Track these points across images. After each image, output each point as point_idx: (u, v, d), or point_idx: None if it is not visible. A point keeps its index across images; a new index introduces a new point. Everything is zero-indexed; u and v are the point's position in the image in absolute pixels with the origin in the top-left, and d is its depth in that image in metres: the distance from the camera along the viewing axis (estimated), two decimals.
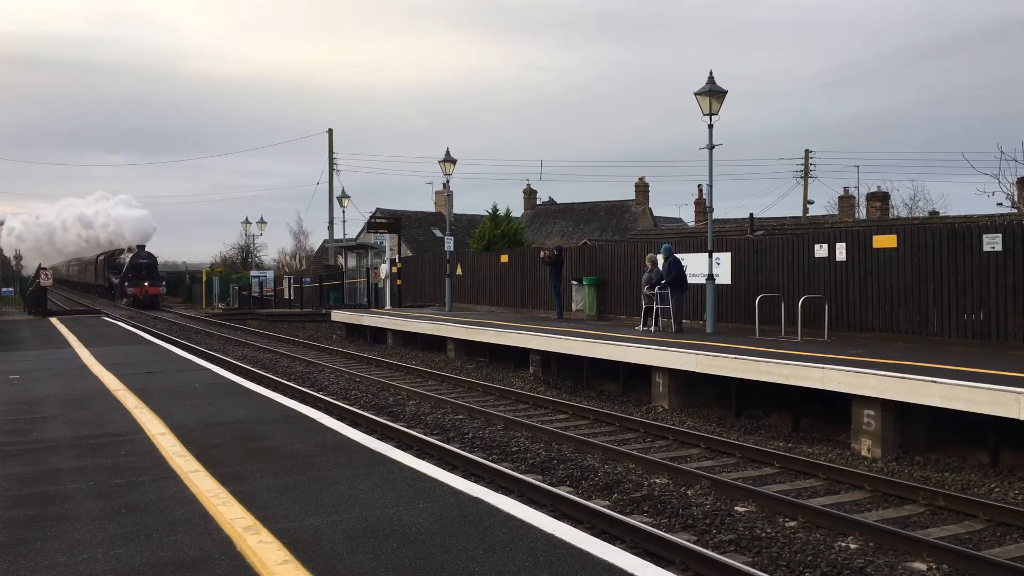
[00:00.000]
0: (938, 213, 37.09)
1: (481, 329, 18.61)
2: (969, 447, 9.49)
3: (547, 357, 16.06)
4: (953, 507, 7.64)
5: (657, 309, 16.68)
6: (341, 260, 39.85)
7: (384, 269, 30.33)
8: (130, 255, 49.19)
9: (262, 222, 56.30)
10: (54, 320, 28.38)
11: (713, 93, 15.83)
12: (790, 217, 39.04)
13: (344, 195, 39.78)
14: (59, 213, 69.73)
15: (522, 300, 24.19)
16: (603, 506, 7.61)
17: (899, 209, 42.41)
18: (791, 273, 15.79)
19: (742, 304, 16.56)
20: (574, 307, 21.70)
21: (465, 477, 7.08)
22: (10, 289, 40.79)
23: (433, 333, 20.88)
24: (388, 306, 29.07)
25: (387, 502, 5.55)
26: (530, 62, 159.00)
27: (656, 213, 48.56)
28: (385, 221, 31.85)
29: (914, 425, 9.78)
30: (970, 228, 13.36)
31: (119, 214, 57.94)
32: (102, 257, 56.31)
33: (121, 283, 48.41)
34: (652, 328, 16.65)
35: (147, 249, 50.90)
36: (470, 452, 9.87)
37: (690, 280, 16.96)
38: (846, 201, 40.14)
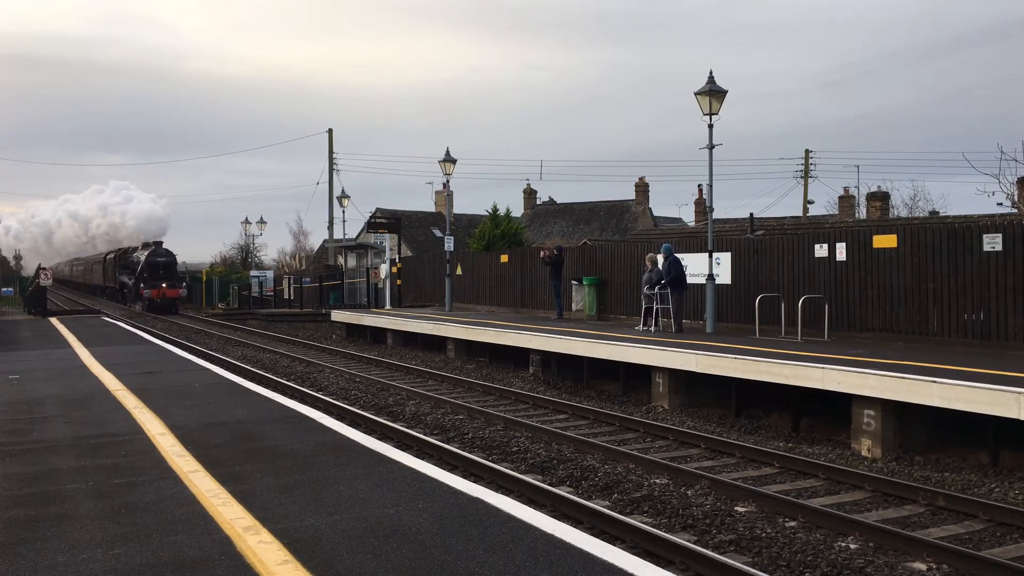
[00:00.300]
0: (938, 213, 37.09)
1: (481, 329, 18.61)
2: (969, 447, 9.49)
3: (547, 357, 16.06)
4: (953, 507, 7.64)
5: (657, 309, 16.68)
6: (341, 260, 39.86)
7: (384, 269, 30.33)
8: (145, 252, 42.97)
9: (262, 222, 56.29)
10: (54, 320, 28.38)
11: (713, 93, 15.83)
12: (790, 217, 39.05)
13: (344, 195, 39.82)
14: (55, 211, 66.14)
15: (522, 300, 24.19)
16: (603, 506, 7.60)
17: (899, 209, 42.44)
18: (791, 273, 15.79)
19: (742, 304, 16.56)
20: (574, 307, 21.70)
21: (465, 477, 7.08)
22: (10, 289, 40.71)
23: (433, 333, 20.88)
24: (388, 306, 29.07)
25: (387, 502, 5.55)
26: (530, 62, 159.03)
27: (656, 213, 48.57)
28: (385, 221, 31.85)
29: (914, 425, 9.78)
30: (970, 228, 13.35)
31: (125, 208, 51.99)
32: (112, 255, 49.81)
33: (135, 284, 42.31)
34: (652, 328, 16.65)
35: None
36: (470, 452, 9.87)
37: (690, 280, 16.96)
38: (846, 201, 40.14)
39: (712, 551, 6.30)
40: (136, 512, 5.35)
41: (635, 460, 9.39)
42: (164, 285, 40.78)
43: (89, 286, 59.79)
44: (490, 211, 34.84)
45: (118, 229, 52.23)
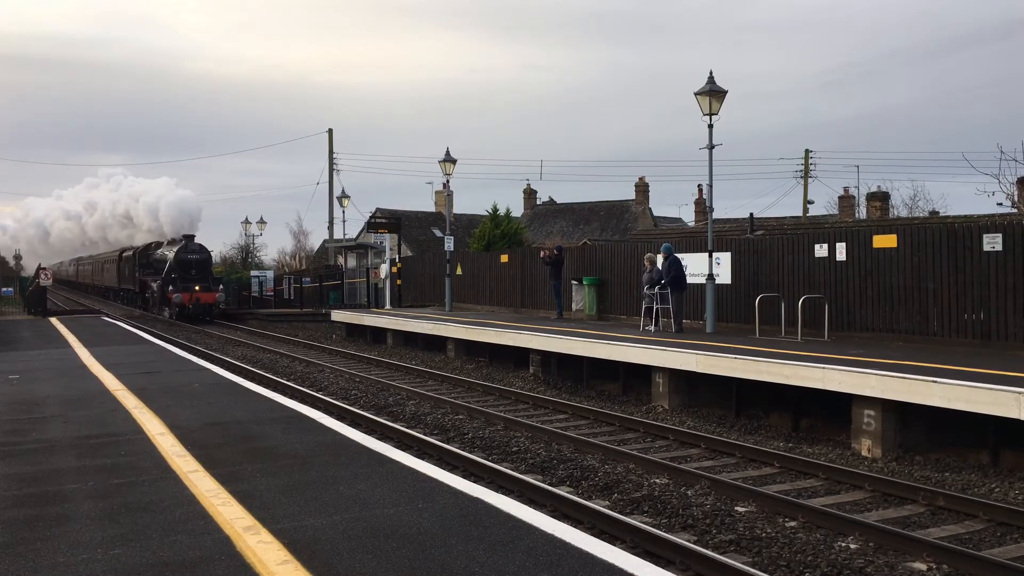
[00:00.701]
0: (938, 213, 37.10)
1: (481, 329, 18.61)
2: (969, 447, 9.49)
3: (547, 357, 16.06)
4: (953, 507, 7.64)
5: (657, 309, 16.68)
6: (341, 260, 39.85)
7: (384, 269, 30.33)
8: (174, 248, 36.15)
9: (262, 222, 56.16)
10: (54, 320, 28.38)
11: (713, 93, 15.83)
12: (790, 217, 39.05)
13: (344, 195, 39.83)
14: (50, 209, 60.02)
15: (522, 300, 24.19)
16: (603, 506, 7.61)
17: (899, 209, 42.47)
18: (791, 273, 15.79)
19: (742, 304, 16.56)
20: (574, 307, 21.70)
21: (465, 477, 7.08)
22: (10, 289, 40.59)
23: (433, 333, 20.88)
24: (388, 306, 29.07)
25: (387, 502, 5.55)
26: (530, 62, 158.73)
27: (656, 213, 48.55)
28: (385, 221, 31.85)
29: (914, 425, 9.78)
30: (970, 228, 13.35)
31: (148, 199, 41.59)
32: (129, 253, 42.22)
33: (162, 287, 35.20)
34: (652, 328, 16.65)
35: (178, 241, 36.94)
36: (470, 452, 9.87)
37: (690, 280, 16.96)
38: (846, 201, 40.14)
39: (712, 551, 6.30)
40: (136, 512, 5.35)
41: (635, 460, 9.39)
42: (197, 288, 34.21)
43: (99, 288, 52.78)
44: (490, 211, 34.87)
45: (130, 223, 43.54)
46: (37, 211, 62.69)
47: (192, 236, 36.87)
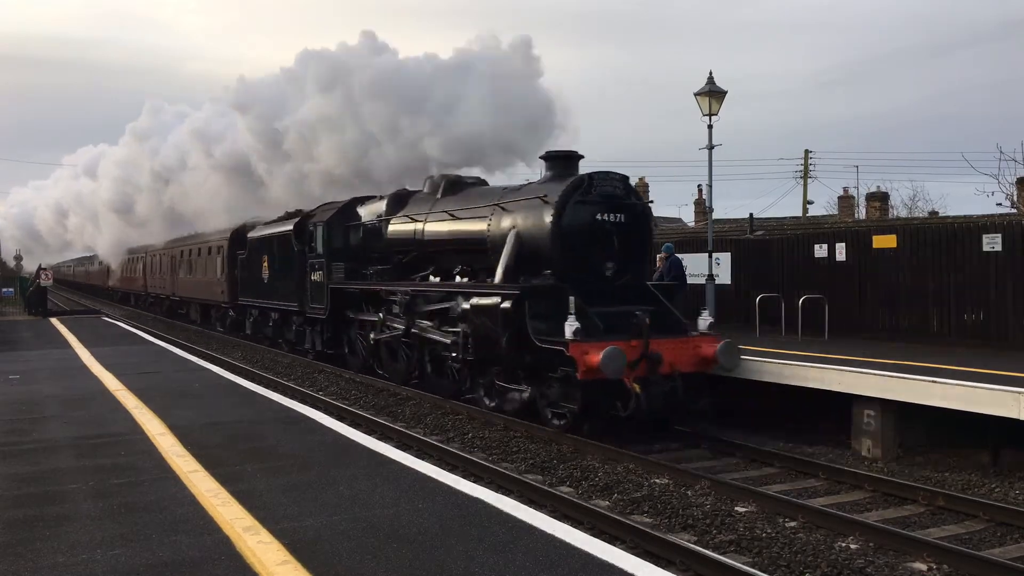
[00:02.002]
0: (938, 213, 37.05)
1: None
2: (969, 447, 9.49)
3: None
4: (953, 507, 7.64)
5: None
6: None
7: None
8: (540, 191, 11.42)
9: None
10: (54, 320, 28.36)
11: (713, 93, 15.81)
12: (790, 217, 39.00)
13: None
14: (29, 207, 50.42)
15: None
16: (603, 506, 7.61)
17: (899, 209, 42.36)
18: (791, 273, 15.77)
19: (742, 304, 16.55)
20: None
21: (465, 477, 7.08)
22: (10, 290, 40.48)
23: None
24: None
25: (387, 502, 5.55)
26: None
27: (656, 213, 48.35)
28: None
29: (914, 425, 9.77)
30: (970, 228, 13.34)
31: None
32: (282, 230, 19.11)
33: (500, 322, 10.24)
34: None
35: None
36: (470, 453, 9.87)
37: (690, 280, 16.92)
38: (846, 201, 40.09)
39: (712, 551, 6.30)
40: (136, 512, 5.35)
41: (635, 460, 9.38)
42: (648, 320, 10.07)
43: (182, 301, 30.95)
44: None
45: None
46: (14, 206, 55.18)
47: (572, 155, 12.45)
